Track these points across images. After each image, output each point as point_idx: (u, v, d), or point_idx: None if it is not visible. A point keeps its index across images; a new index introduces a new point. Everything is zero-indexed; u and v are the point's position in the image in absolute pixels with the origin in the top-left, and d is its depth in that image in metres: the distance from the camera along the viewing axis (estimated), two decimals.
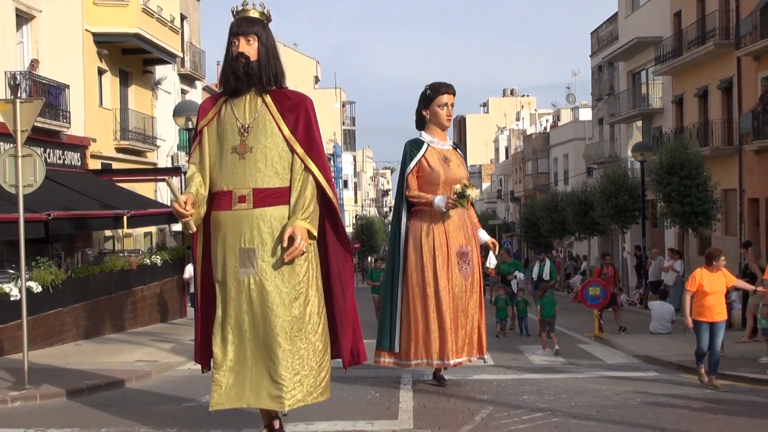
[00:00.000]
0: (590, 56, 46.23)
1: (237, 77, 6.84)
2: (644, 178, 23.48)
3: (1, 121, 12.00)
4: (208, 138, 7.02)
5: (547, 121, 70.45)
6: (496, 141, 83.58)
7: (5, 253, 17.67)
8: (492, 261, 10.55)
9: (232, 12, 7.18)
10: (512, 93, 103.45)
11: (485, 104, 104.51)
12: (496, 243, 10.58)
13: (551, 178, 55.81)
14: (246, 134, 6.83)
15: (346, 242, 7.39)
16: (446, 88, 10.24)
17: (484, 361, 10.79)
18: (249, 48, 6.84)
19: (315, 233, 6.87)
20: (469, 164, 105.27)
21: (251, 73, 6.81)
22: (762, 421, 8.54)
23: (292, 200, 6.76)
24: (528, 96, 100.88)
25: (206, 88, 37.86)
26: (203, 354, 7.14)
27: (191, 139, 7.16)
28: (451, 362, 9.96)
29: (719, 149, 28.30)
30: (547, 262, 18.98)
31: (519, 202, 64.41)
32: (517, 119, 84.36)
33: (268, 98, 6.92)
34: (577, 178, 46.99)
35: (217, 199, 6.89)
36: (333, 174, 60.55)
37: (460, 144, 11.13)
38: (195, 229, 6.90)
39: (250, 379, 6.66)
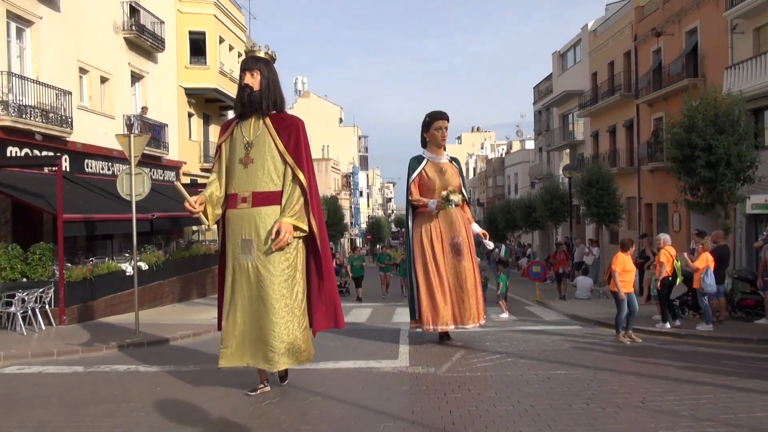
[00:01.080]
0: (533, 103, 46.08)
1: (242, 104, 6.59)
2: (571, 189, 23.39)
3: (121, 149, 11.99)
4: (224, 152, 6.76)
5: (502, 149, 70.33)
6: (467, 163, 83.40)
7: (123, 242, 17.66)
8: (489, 243, 10.16)
9: (245, 52, 7.01)
10: (478, 129, 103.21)
11: (459, 137, 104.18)
12: (487, 233, 10.18)
13: (506, 190, 55.76)
14: (249, 149, 6.53)
15: (324, 235, 6.83)
16: (440, 115, 9.98)
17: (480, 326, 10.00)
18: (252, 80, 6.55)
19: (305, 227, 6.50)
20: None
21: (253, 100, 6.54)
22: (655, 359, 8.50)
23: (283, 201, 6.45)
24: (489, 131, 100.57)
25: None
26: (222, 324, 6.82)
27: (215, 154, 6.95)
28: (451, 327, 9.59)
29: (624, 169, 28.19)
30: (503, 247, 18.49)
31: (483, 206, 64.29)
32: (482, 148, 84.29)
33: (267, 120, 6.59)
34: (524, 190, 46.88)
35: (228, 201, 6.66)
36: (352, 186, 59.55)
37: (456, 159, 10.49)
38: (207, 222, 6.67)
39: (249, 345, 6.43)
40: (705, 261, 11.12)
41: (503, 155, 63.37)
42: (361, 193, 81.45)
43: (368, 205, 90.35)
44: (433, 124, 9.92)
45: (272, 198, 6.47)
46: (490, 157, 69.64)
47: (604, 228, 24.93)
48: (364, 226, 76.90)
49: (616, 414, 5.79)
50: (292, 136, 6.57)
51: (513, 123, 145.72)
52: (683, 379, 7.24)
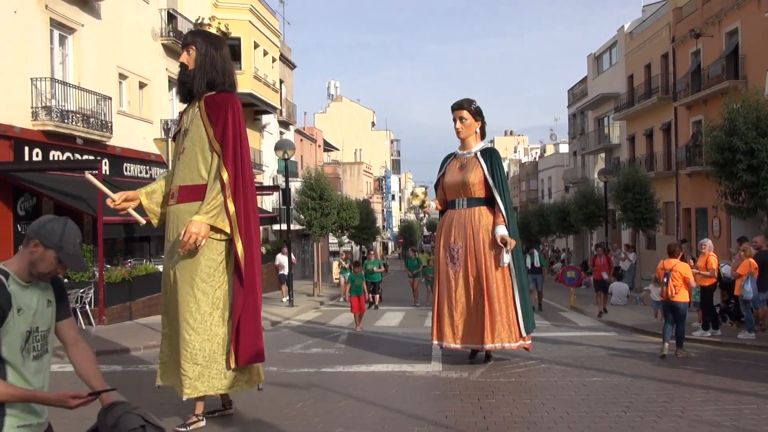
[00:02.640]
0: (567, 106, 45.54)
1: (178, 85, 5.84)
2: (607, 194, 23.03)
3: (158, 153, 12.19)
4: (174, 143, 6.01)
5: (536, 153, 69.71)
6: None
7: (159, 244, 17.96)
8: (504, 258, 8.16)
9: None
10: (511, 133, 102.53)
11: (492, 141, 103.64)
12: (508, 240, 8.09)
13: (539, 194, 55.21)
14: (184, 137, 5.68)
15: (250, 239, 5.57)
16: (453, 106, 8.88)
17: (487, 356, 8.59)
18: (188, 58, 5.64)
19: (225, 228, 5.40)
20: None
21: (185, 80, 5.66)
22: (694, 368, 8.30)
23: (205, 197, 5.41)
24: (522, 135, 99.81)
25: (297, 131, 38.14)
26: None
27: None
28: (452, 346, 8.41)
29: (661, 173, 27.63)
30: (536, 253, 17.14)
31: (516, 211, 63.79)
32: (515, 151, 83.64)
33: (202, 103, 5.62)
34: (558, 194, 46.32)
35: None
36: (384, 190, 58.76)
37: (489, 149, 8.75)
38: (142, 221, 5.85)
39: (172, 365, 5.56)
40: (747, 267, 10.82)
41: (536, 159, 62.81)
42: (393, 197, 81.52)
43: (400, 209, 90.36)
44: (452, 117, 9.00)
45: (196, 193, 5.48)
46: (523, 161, 69.05)
47: (640, 233, 24.48)
48: (396, 229, 76.90)
49: (655, 423, 5.66)
50: (220, 121, 5.50)
51: (546, 126, 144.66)
52: (724, 389, 7.05)
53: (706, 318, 11.19)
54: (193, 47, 5.65)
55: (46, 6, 14.67)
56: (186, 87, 5.70)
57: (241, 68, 25.11)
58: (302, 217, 21.90)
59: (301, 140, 39.38)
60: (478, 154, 8.61)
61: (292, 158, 21.25)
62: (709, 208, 22.48)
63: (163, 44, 20.02)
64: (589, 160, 39.57)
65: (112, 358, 9.41)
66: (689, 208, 25.95)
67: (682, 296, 9.08)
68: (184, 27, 20.94)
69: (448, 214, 8.79)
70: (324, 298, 20.76)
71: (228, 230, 5.44)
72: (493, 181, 8.35)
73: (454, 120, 8.76)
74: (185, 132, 5.69)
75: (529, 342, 8.54)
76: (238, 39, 25.27)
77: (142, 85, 18.99)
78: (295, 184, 28.56)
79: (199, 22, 5.92)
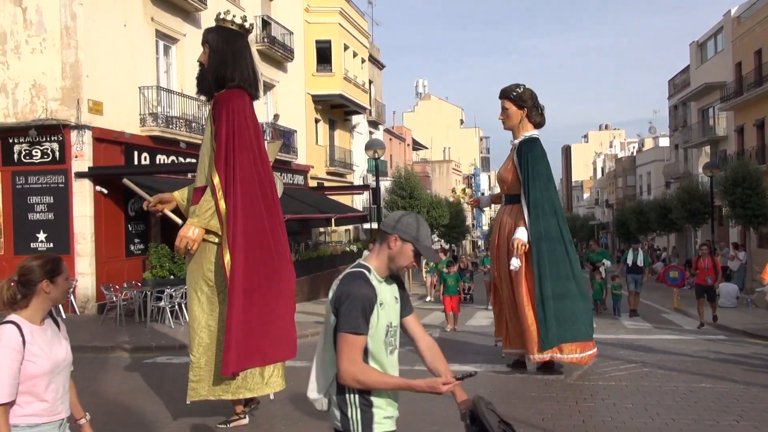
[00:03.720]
0: (668, 98, 43.32)
1: (196, 84, 5.71)
2: (713, 189, 21.72)
3: None
4: None
5: (633, 147, 66.79)
6: (594, 163, 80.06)
7: None
8: (515, 263, 7.39)
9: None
10: (606, 127, 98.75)
11: (585, 136, 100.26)
12: (516, 245, 7.35)
13: (637, 190, 52.90)
14: (203, 137, 5.64)
15: (241, 244, 5.22)
16: (499, 95, 8.13)
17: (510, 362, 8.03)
18: (203, 57, 5.56)
19: (216, 230, 5.27)
20: (573, 180, 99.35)
21: (200, 79, 5.61)
22: None
23: None
24: (618, 129, 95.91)
25: (386, 130, 38.44)
26: None
27: None
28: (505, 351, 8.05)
29: None
30: (641, 252, 15.47)
31: (612, 208, 61.37)
32: (610, 146, 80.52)
33: (212, 102, 5.59)
34: (658, 190, 44.20)
35: None
36: (473, 188, 57.83)
37: (528, 139, 7.81)
38: (180, 223, 5.68)
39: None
40: None
41: (634, 153, 60.18)
42: (482, 195, 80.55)
43: (490, 207, 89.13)
44: None
45: (198, 195, 5.49)
46: (619, 156, 66.32)
47: (751, 231, 22.92)
48: (486, 228, 75.93)
49: None
50: (218, 116, 5.36)
51: (644, 120, 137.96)
52: None
53: None
54: (207, 45, 5.56)
55: (152, 18, 15.59)
56: (201, 86, 5.63)
57: (331, 70, 25.64)
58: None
59: (391, 139, 39.67)
60: (517, 145, 7.84)
61: (382, 157, 21.46)
62: None
63: (258, 50, 20.74)
64: (692, 154, 37.46)
65: None
66: None
67: None
68: (277, 32, 21.64)
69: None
70: (413, 297, 20.82)
71: (219, 233, 5.30)
72: (522, 176, 7.55)
73: (501, 110, 8.07)
74: (205, 133, 5.71)
75: (587, 353, 7.45)
76: (329, 42, 25.82)
77: None
78: (385, 183, 28.83)
79: (218, 17, 5.68)
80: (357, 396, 2.56)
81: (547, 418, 5.79)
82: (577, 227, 67.96)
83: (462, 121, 79.87)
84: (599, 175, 76.46)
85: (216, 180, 5.23)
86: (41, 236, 13.56)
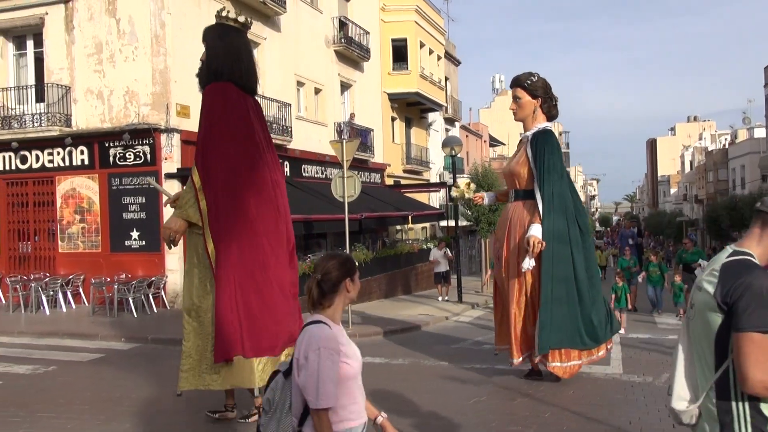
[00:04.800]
0: (764, 86, 40.74)
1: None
2: None
3: (333, 154, 12.86)
4: None
5: (725, 139, 63.24)
6: (682, 156, 76.47)
7: (335, 240, 18.93)
8: (527, 263, 6.80)
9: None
10: (695, 119, 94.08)
11: (672, 128, 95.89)
12: (533, 243, 6.72)
13: (730, 184, 50.08)
14: None
15: (227, 236, 5.35)
16: (510, 84, 7.66)
17: (512, 363, 7.26)
18: (203, 54, 5.73)
19: (198, 222, 5.38)
20: (659, 175, 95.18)
21: (198, 74, 5.72)
22: None
23: None
24: (708, 120, 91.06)
25: (463, 127, 38.16)
26: None
27: None
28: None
29: None
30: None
31: (702, 203, 58.40)
32: (700, 139, 76.60)
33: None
34: (753, 184, 41.67)
35: None
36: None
37: (542, 131, 7.26)
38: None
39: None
40: None
41: (726, 146, 57.00)
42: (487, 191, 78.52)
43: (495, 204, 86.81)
44: None
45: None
46: (710, 149, 62.99)
47: None
48: None
49: None
50: (200, 112, 5.53)
51: (737, 110, 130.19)
52: None
53: None
54: (205, 42, 5.70)
55: None
56: (200, 82, 5.70)
57: (407, 68, 25.69)
58: (469, 213, 21.86)
59: (467, 136, 39.33)
60: (530, 138, 7.24)
61: (458, 154, 21.29)
62: None
63: (335, 51, 21.07)
64: None
65: None
66: None
67: None
68: (353, 33, 21.89)
69: (503, 208, 7.68)
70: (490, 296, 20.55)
71: (200, 224, 5.39)
72: (536, 171, 7.01)
73: (512, 100, 7.51)
74: None
75: (555, 365, 6.88)
76: (405, 40, 25.87)
77: (317, 91, 20.15)
78: (462, 180, 28.57)
79: (218, 14, 5.80)
80: (747, 406, 2.15)
81: (635, 422, 5.59)
82: (663, 224, 65.10)
83: None
84: (687, 169, 73.01)
85: (195, 174, 5.37)
86: (134, 234, 14.32)
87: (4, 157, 15.18)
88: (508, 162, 7.52)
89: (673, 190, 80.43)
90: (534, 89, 7.30)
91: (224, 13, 5.71)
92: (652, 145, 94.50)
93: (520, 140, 7.51)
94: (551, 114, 7.43)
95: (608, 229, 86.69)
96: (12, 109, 14.92)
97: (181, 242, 5.71)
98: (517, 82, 7.35)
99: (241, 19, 5.73)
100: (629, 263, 14.85)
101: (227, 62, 5.51)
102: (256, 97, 5.98)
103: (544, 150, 7.05)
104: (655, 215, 74.10)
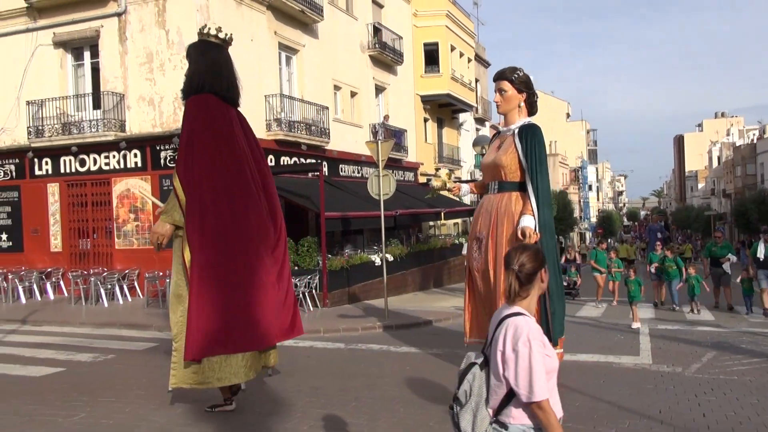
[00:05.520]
0: None
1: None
2: None
3: (369, 154, 12.88)
4: None
5: (753, 134, 61.26)
6: (710, 152, 74.44)
7: (371, 236, 18.98)
8: None
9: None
10: (722, 114, 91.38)
11: (699, 125, 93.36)
12: (528, 233, 6.36)
13: (758, 179, 48.53)
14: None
15: (195, 233, 5.36)
16: (494, 77, 7.21)
17: None
18: (187, 69, 5.76)
19: (180, 224, 5.47)
20: (687, 170, 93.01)
21: (183, 89, 5.72)
22: None
23: None
24: (736, 116, 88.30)
25: (492, 126, 37.78)
26: None
27: None
28: (467, 340, 6.96)
29: None
30: (762, 245, 12.80)
31: (730, 198, 56.72)
32: (727, 134, 74.39)
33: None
34: None
35: None
36: (581, 180, 55.69)
37: (528, 126, 6.92)
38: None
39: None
40: None
41: (755, 141, 55.25)
42: (590, 187, 77.37)
43: (598, 199, 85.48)
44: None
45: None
46: (738, 144, 61.12)
47: None
48: (593, 219, 72.88)
49: None
50: (182, 121, 5.58)
51: (765, 105, 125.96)
52: None
53: None
54: (188, 58, 5.75)
55: (275, 32, 16.28)
56: (183, 95, 5.71)
57: (439, 71, 25.57)
58: None
59: None
60: (516, 131, 6.92)
61: None
62: None
63: (370, 56, 21.10)
64: None
65: (337, 336, 10.17)
66: None
67: None
68: (387, 38, 21.87)
69: (482, 199, 7.35)
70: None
71: (176, 223, 5.45)
72: (527, 163, 6.73)
73: (495, 92, 7.13)
74: None
75: (559, 351, 6.57)
76: (436, 44, 25.76)
77: (353, 94, 20.21)
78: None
79: (200, 31, 5.83)
80: None
81: (665, 411, 5.47)
82: (691, 218, 63.44)
83: (568, 115, 77.02)
84: (715, 164, 71.01)
85: (176, 182, 5.43)
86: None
87: (64, 161, 15.63)
88: (489, 154, 7.18)
89: (700, 185, 78.55)
90: (519, 83, 7.00)
91: (206, 30, 5.76)
92: (679, 141, 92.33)
93: (498, 133, 7.24)
94: (532, 110, 7.17)
95: (636, 223, 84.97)
96: (71, 116, 15.35)
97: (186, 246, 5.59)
98: (502, 76, 7.01)
99: (222, 35, 5.75)
100: (672, 261, 13.82)
101: (208, 77, 5.58)
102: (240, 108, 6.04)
103: (534, 142, 6.79)
104: (682, 209, 72.36)
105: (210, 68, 5.60)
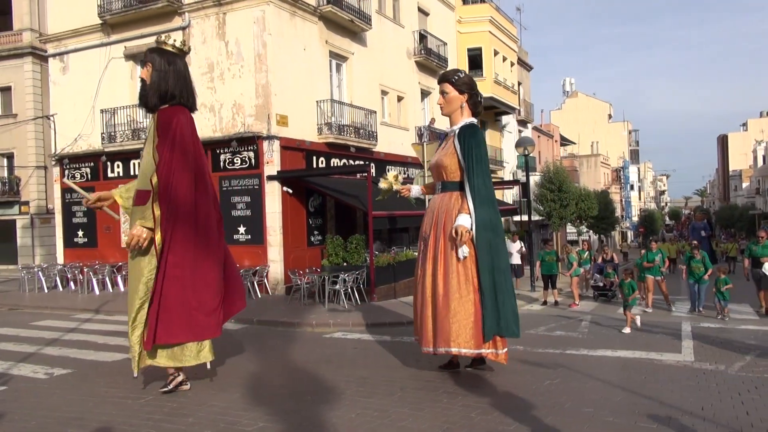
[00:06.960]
0: None
1: (138, 97, 5.95)
2: None
3: (415, 156, 12.85)
4: None
5: None
6: (754, 151, 71.15)
7: (416, 235, 18.88)
8: (460, 253, 6.22)
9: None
10: (767, 114, 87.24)
11: (744, 124, 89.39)
12: (460, 232, 6.15)
13: None
14: (145, 145, 5.84)
15: (173, 239, 5.59)
16: (438, 80, 7.06)
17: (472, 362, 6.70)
18: (145, 73, 5.75)
19: (152, 226, 5.60)
20: (730, 170, 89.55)
21: (142, 94, 5.77)
22: None
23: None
24: None
25: (535, 128, 37.19)
26: None
27: None
28: (425, 350, 6.44)
29: None
30: None
31: None
32: None
33: (155, 116, 5.73)
34: None
35: None
36: (622, 180, 54.50)
37: (468, 125, 6.65)
38: (117, 218, 6.36)
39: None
40: None
41: None
42: (632, 187, 75.26)
43: (639, 198, 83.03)
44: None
45: (144, 197, 5.68)
46: None
47: None
48: (635, 219, 70.81)
49: None
50: (166, 130, 5.61)
51: None
52: None
53: None
54: (149, 63, 5.75)
55: (327, 41, 16.44)
56: (142, 101, 5.81)
57: (482, 75, 25.30)
58: (541, 208, 21.32)
59: (539, 137, 38.30)
60: (456, 132, 6.65)
61: (531, 154, 20.76)
62: None
63: (416, 61, 21.06)
64: None
65: (383, 329, 10.19)
66: None
67: None
68: (432, 45, 21.79)
69: (430, 200, 7.09)
70: (563, 284, 19.92)
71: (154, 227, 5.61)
72: (465, 163, 6.44)
73: (439, 95, 6.93)
74: (146, 140, 5.85)
75: (502, 351, 6.33)
76: (480, 49, 25.51)
77: (399, 99, 20.21)
78: (534, 178, 27.88)
79: (158, 40, 5.88)
80: None
81: (707, 408, 5.25)
82: (735, 217, 60.84)
83: (610, 116, 75.08)
84: (760, 163, 67.86)
85: (154, 182, 5.58)
86: (242, 230, 14.91)
87: (133, 164, 16.20)
88: (434, 155, 6.98)
89: (744, 185, 75.23)
90: (460, 85, 6.76)
91: (168, 41, 5.82)
92: (723, 140, 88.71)
93: (446, 134, 6.97)
94: (476, 111, 6.90)
95: (677, 223, 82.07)
96: (140, 123, 15.89)
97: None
98: (444, 78, 6.84)
99: (178, 44, 5.85)
100: (700, 262, 12.67)
101: (177, 87, 5.74)
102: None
103: (472, 143, 6.51)
104: (726, 209, 69.49)
105: (177, 78, 5.76)
